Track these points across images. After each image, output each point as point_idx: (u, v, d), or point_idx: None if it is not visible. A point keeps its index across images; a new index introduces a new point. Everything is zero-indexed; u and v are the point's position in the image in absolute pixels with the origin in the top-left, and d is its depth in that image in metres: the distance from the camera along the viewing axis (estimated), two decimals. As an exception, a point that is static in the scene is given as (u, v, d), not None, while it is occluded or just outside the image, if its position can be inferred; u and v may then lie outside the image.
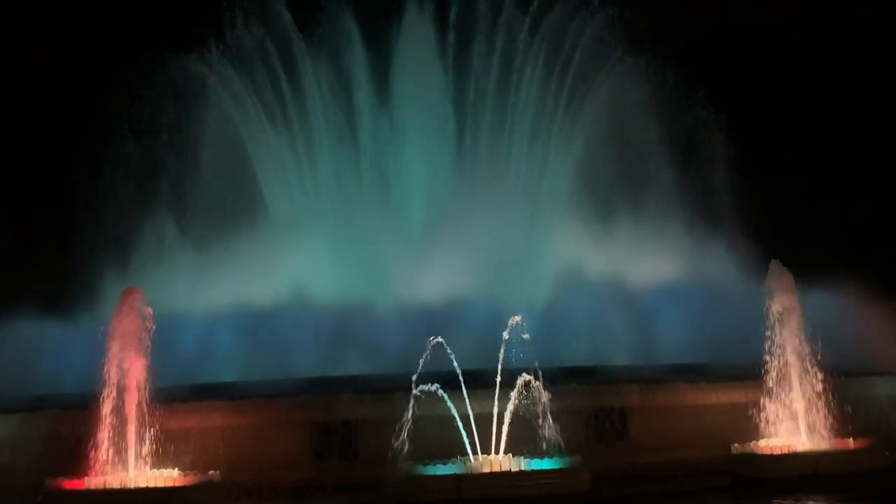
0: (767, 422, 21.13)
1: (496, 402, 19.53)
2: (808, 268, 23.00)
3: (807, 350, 21.45)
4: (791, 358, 21.40)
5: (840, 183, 44.32)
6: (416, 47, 36.95)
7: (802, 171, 44.04)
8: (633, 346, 26.59)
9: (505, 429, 19.47)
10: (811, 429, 21.05)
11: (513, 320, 20.36)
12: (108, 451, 19.19)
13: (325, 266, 30.36)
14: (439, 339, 20.15)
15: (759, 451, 20.59)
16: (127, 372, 19.62)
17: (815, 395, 21.19)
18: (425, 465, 19.03)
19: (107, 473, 19.01)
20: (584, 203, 32.96)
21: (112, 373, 19.57)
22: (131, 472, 19.18)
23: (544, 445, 19.31)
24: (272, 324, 27.43)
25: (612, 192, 33.87)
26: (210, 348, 27.07)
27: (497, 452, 19.43)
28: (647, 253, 30.86)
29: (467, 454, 19.36)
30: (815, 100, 46.25)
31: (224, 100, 35.13)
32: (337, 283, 29.64)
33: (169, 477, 19.13)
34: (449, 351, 20.06)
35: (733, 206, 34.33)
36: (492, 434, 19.51)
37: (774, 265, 22.19)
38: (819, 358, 21.39)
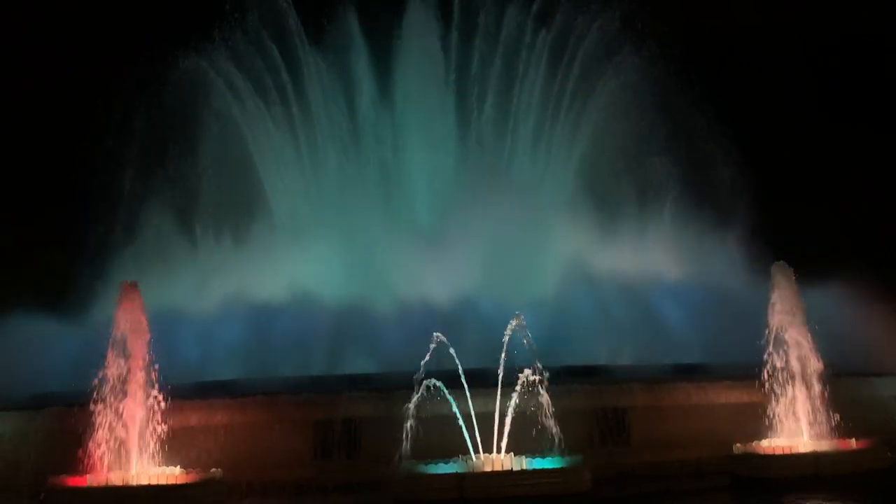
0: (769, 422, 21.13)
1: (498, 401, 19.54)
2: (808, 268, 22.98)
3: (809, 350, 21.46)
4: (793, 358, 21.40)
5: (840, 183, 44.30)
6: (419, 46, 36.90)
7: (802, 171, 44.00)
8: (637, 344, 26.59)
9: (507, 428, 19.46)
10: (813, 429, 21.05)
11: (515, 319, 20.37)
12: (111, 448, 19.20)
13: (327, 264, 30.31)
14: (442, 338, 20.15)
15: (761, 451, 20.58)
16: (129, 370, 19.63)
17: (816, 396, 21.18)
18: (427, 463, 19.03)
19: (109, 471, 19.01)
20: (587, 201, 33.00)
21: (114, 370, 19.57)
22: (133, 470, 19.19)
23: (546, 445, 19.31)
24: (274, 322, 27.41)
25: (615, 191, 33.93)
26: (211, 346, 27.06)
27: (499, 451, 19.41)
28: (650, 251, 30.93)
29: (469, 453, 19.37)
30: (815, 100, 46.24)
31: (226, 97, 35.10)
32: (339, 281, 29.59)
33: (171, 474, 19.13)
34: (451, 350, 20.05)
35: (735, 206, 34.35)
36: (494, 433, 19.50)
37: (777, 266, 22.16)
38: (821, 358, 21.41)
